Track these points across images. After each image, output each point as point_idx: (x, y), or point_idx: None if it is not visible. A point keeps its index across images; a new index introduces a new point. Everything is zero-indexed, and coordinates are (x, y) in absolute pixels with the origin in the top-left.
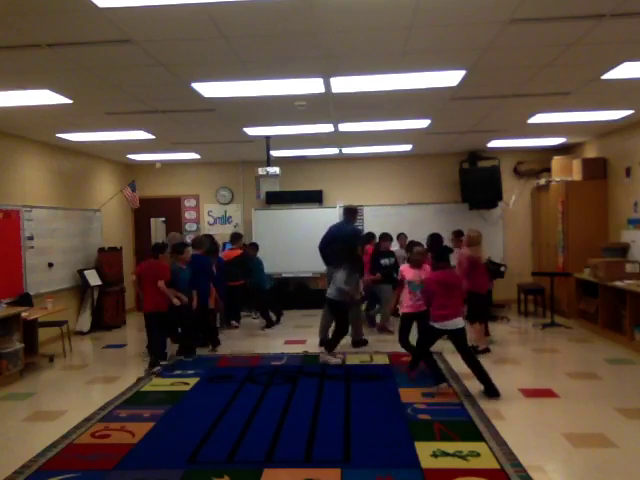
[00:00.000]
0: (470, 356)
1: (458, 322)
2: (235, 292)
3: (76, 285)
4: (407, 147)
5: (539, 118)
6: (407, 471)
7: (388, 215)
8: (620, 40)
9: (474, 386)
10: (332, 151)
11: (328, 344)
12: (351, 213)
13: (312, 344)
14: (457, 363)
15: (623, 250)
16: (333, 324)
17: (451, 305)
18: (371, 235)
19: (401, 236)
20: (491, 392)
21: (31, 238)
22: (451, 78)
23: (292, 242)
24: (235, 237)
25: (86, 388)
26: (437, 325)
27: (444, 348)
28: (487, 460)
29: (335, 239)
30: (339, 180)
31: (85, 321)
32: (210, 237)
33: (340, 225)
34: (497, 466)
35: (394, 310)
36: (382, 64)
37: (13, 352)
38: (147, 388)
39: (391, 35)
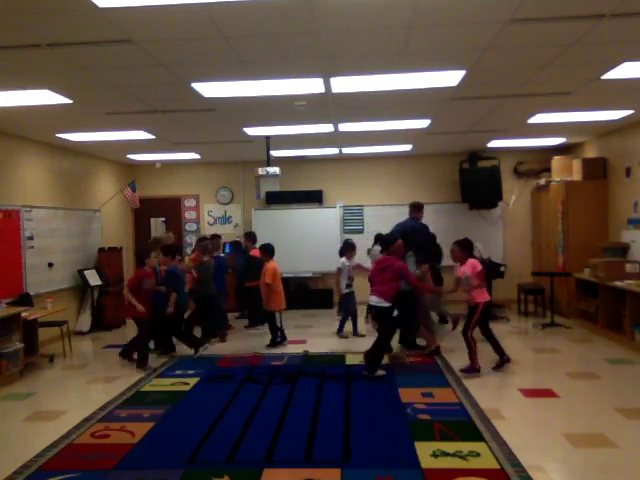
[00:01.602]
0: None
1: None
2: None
3: (76, 285)
4: (407, 147)
5: (539, 118)
6: (407, 471)
7: (388, 215)
8: (620, 40)
9: (474, 386)
10: (332, 151)
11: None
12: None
13: (312, 344)
14: (457, 363)
15: (623, 250)
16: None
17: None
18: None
19: None
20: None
21: (31, 238)
22: (451, 78)
23: (292, 242)
24: (252, 236)
25: (86, 388)
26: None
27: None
28: (487, 460)
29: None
30: (339, 180)
31: (85, 321)
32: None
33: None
34: (497, 466)
35: None
36: (382, 64)
37: (13, 352)
38: (147, 388)
39: (391, 35)
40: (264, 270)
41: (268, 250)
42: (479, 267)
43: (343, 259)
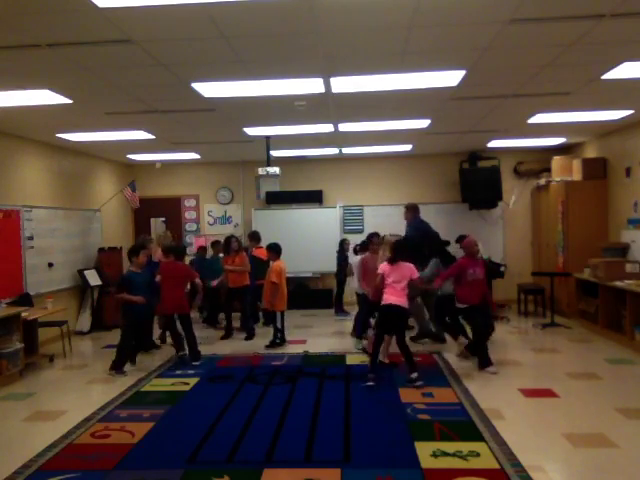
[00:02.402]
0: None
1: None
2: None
3: (76, 285)
4: (407, 147)
5: (539, 118)
6: (407, 471)
7: (388, 215)
8: (620, 40)
9: (474, 386)
10: (332, 151)
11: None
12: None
13: (312, 344)
14: (457, 363)
15: (623, 250)
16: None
17: None
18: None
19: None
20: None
21: (31, 238)
22: (451, 78)
23: (292, 242)
24: (255, 236)
25: (86, 388)
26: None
27: (442, 347)
28: (487, 460)
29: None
30: (339, 180)
31: (85, 321)
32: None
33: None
34: (497, 466)
35: None
36: (382, 64)
37: (13, 352)
38: (147, 388)
39: (391, 35)
40: (270, 269)
41: (275, 249)
42: (382, 272)
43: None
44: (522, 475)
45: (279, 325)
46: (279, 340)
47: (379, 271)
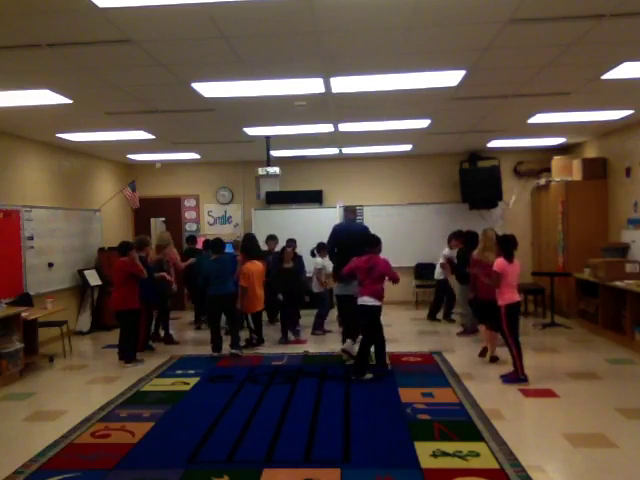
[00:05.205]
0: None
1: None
2: None
3: (76, 285)
4: (407, 147)
5: (539, 118)
6: (407, 471)
7: (388, 215)
8: (620, 40)
9: (474, 386)
10: (332, 151)
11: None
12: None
13: (312, 344)
14: (457, 363)
15: (623, 250)
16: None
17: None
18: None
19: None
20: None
21: (31, 238)
22: (451, 78)
23: None
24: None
25: (86, 388)
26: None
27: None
28: (487, 460)
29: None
30: (339, 180)
31: (85, 321)
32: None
33: (353, 224)
34: (497, 466)
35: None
36: (382, 64)
37: (13, 352)
38: (147, 388)
39: (391, 35)
40: (238, 271)
41: (246, 251)
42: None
43: (319, 259)
44: (522, 475)
45: (247, 325)
46: (250, 340)
47: (496, 269)
